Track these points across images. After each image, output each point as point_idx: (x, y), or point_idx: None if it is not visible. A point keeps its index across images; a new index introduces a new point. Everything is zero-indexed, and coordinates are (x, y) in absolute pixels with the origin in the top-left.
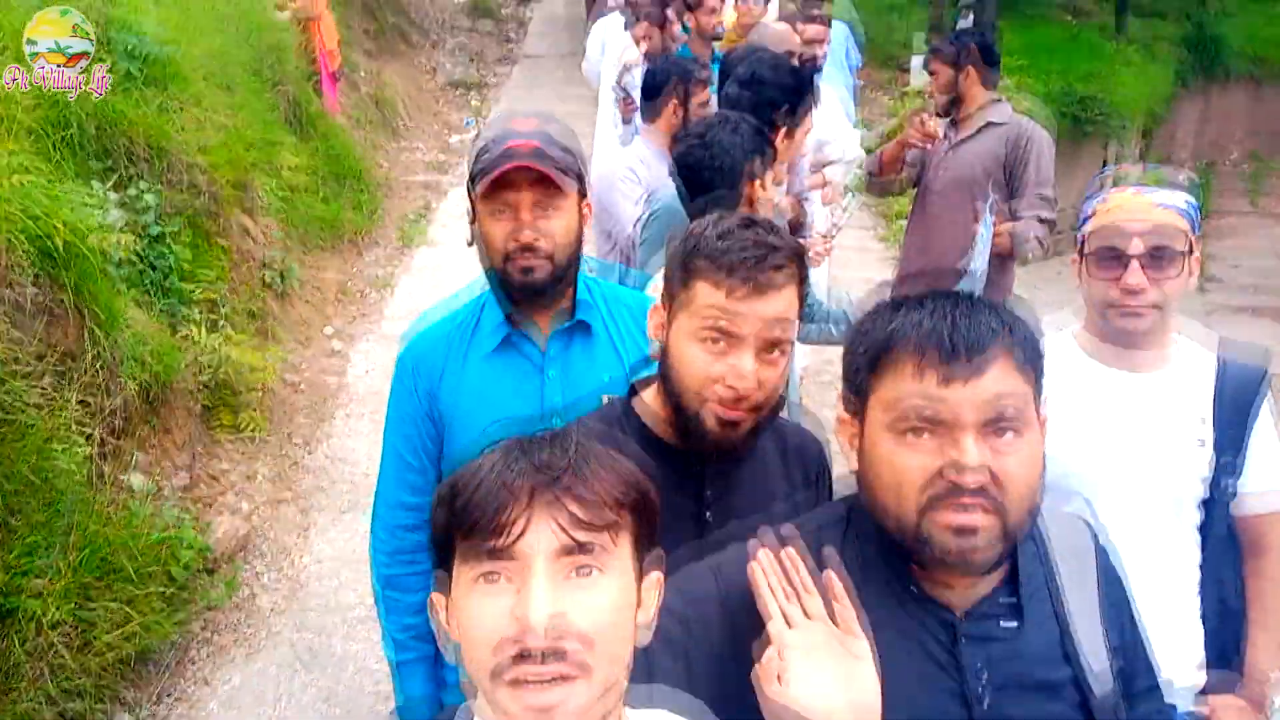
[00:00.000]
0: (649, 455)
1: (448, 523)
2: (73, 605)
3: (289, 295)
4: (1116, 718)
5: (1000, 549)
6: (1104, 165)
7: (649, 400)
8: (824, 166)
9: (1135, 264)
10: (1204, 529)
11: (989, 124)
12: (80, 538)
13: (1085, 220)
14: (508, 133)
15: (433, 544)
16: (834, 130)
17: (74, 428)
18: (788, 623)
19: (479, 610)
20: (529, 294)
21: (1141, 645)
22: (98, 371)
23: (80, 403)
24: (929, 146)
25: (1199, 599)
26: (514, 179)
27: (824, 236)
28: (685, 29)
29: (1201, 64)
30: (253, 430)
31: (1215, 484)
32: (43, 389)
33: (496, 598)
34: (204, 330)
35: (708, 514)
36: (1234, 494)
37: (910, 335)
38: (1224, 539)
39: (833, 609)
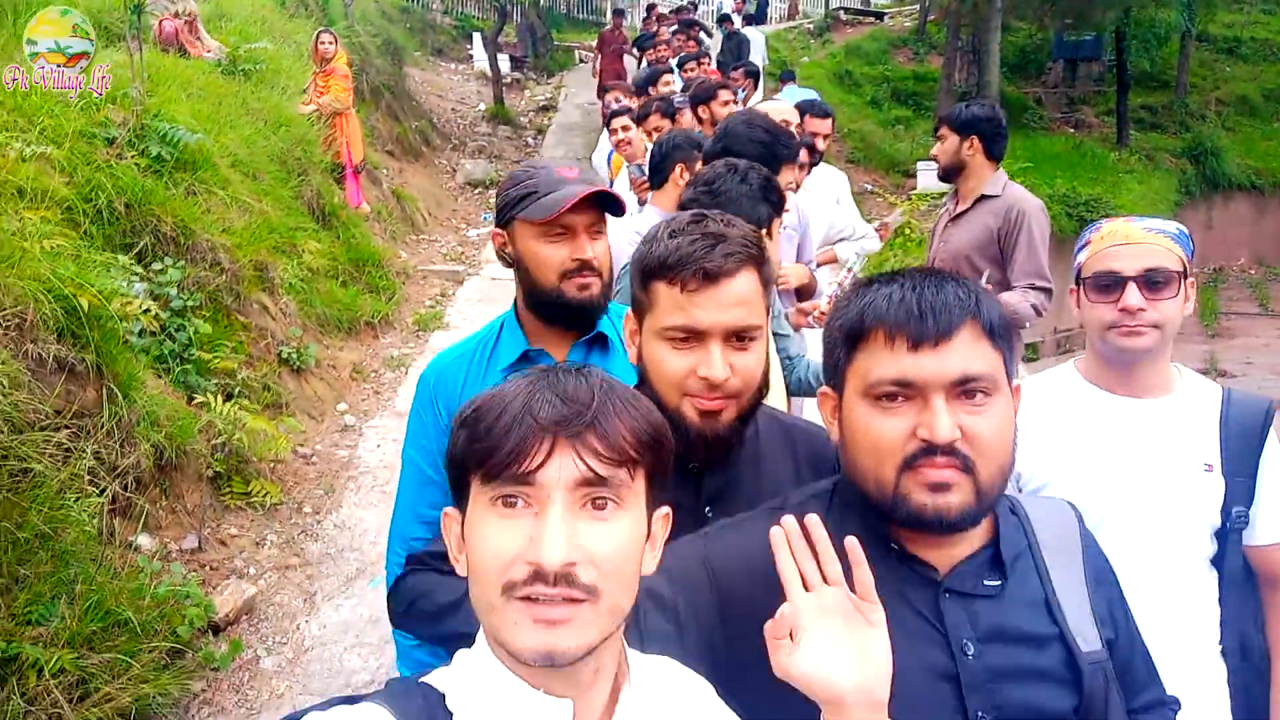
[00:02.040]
0: None
1: (469, 444)
2: (74, 655)
3: (304, 372)
4: (1105, 676)
5: (974, 507)
6: None
7: None
8: (835, 243)
9: (1132, 285)
10: (1218, 563)
11: (983, 197)
12: (86, 589)
13: (1080, 250)
14: (556, 173)
15: (449, 462)
16: (848, 219)
17: (86, 482)
18: (805, 586)
19: (495, 532)
20: (582, 312)
21: (1139, 645)
22: (113, 430)
23: (94, 459)
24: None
25: (1220, 635)
26: (579, 208)
27: (829, 299)
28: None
29: (1203, 174)
30: (264, 498)
31: (1226, 512)
32: (59, 443)
33: (514, 521)
34: (219, 399)
35: (707, 510)
36: (1246, 522)
37: (882, 307)
38: (1240, 571)
39: (851, 577)
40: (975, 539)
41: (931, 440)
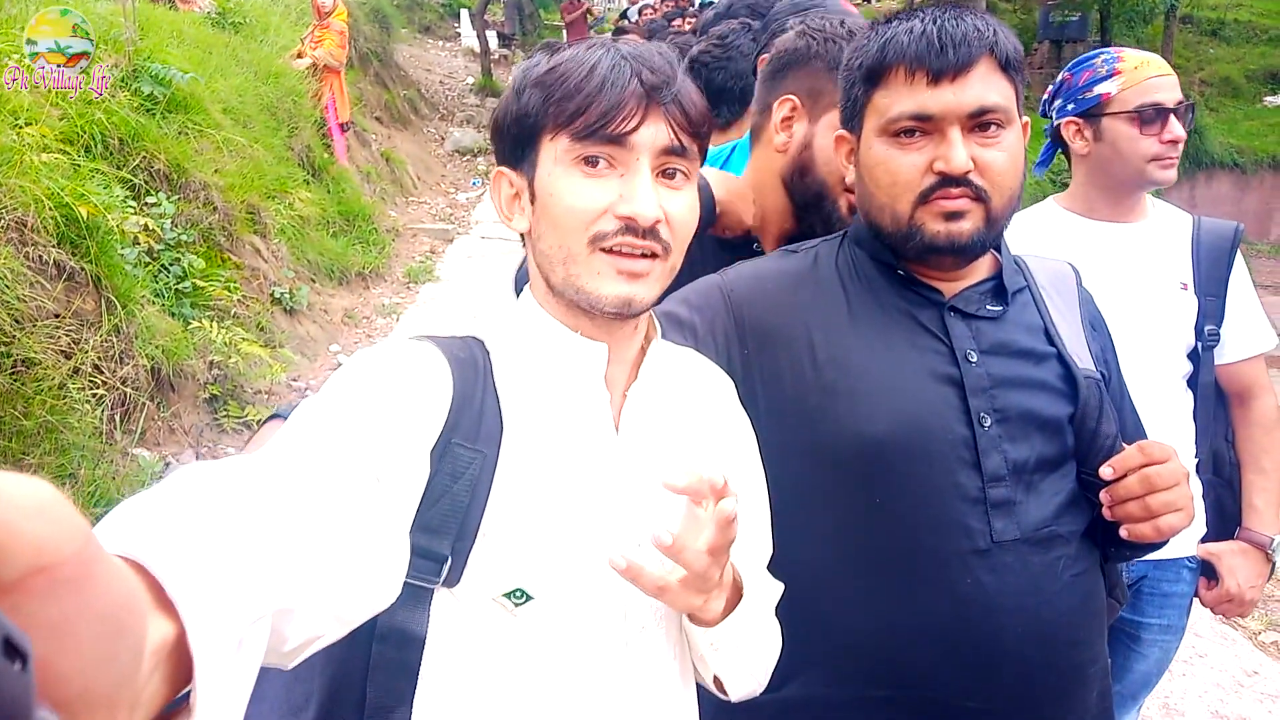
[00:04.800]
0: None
1: (550, 103)
2: None
3: (297, 313)
4: (1099, 391)
5: (984, 233)
6: None
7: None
8: None
9: (1173, 117)
10: (1191, 381)
11: None
12: (90, 475)
13: (1098, 81)
14: None
15: (513, 120)
16: None
17: (87, 385)
18: None
19: (582, 187)
20: None
21: (1129, 401)
22: (112, 339)
23: (94, 366)
24: None
25: (1195, 450)
26: None
27: None
28: None
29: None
30: (260, 421)
31: (1199, 330)
32: (60, 339)
33: (601, 179)
34: (215, 326)
35: None
36: (1217, 339)
37: (903, 42)
38: (1211, 388)
39: None
40: (979, 271)
41: (948, 172)
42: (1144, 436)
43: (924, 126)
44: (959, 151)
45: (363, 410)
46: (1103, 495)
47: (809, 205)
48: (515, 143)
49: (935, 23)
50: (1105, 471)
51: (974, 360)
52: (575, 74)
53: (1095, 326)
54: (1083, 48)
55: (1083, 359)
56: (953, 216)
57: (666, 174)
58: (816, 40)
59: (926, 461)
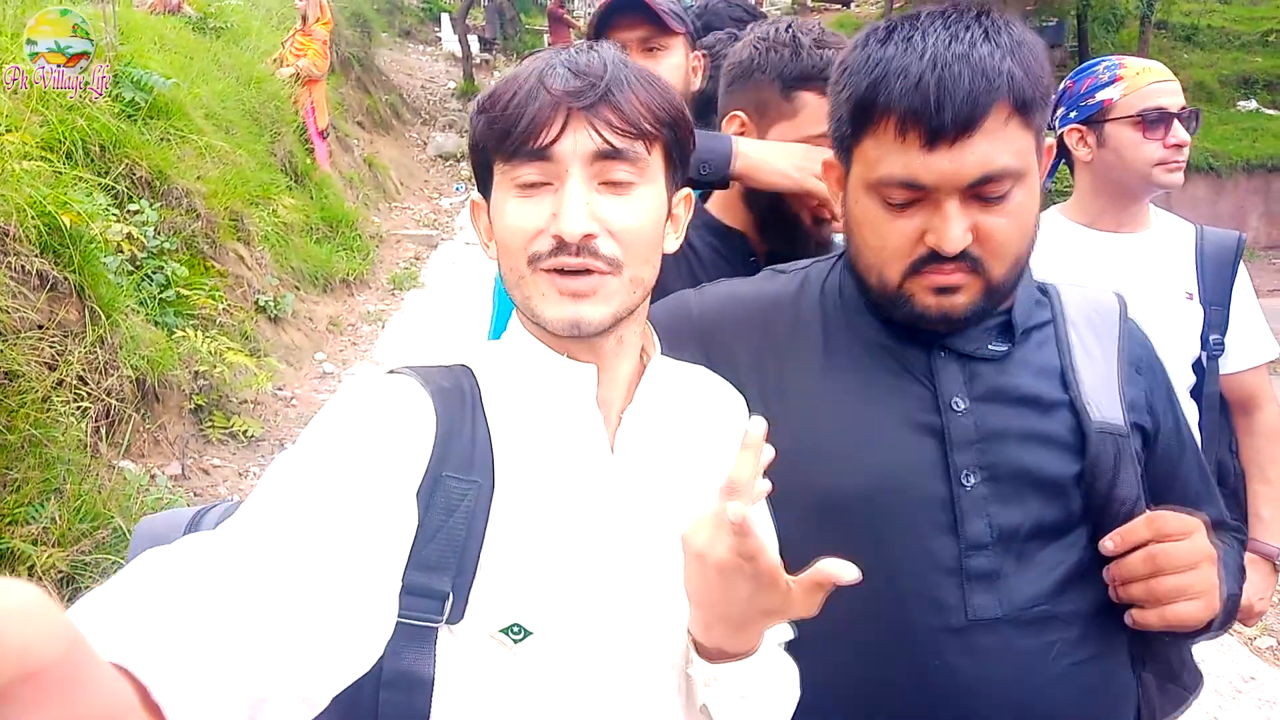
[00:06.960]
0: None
1: (487, 126)
2: (66, 553)
3: (282, 321)
4: (1116, 449)
5: (982, 304)
6: None
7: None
8: None
9: (1177, 121)
10: (1196, 392)
11: None
12: (76, 490)
13: (1100, 88)
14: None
15: (471, 150)
16: None
17: (72, 398)
18: None
19: (518, 209)
20: None
21: (1192, 454)
22: (97, 351)
23: (78, 378)
24: None
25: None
26: (620, 22)
27: None
28: None
29: None
30: (245, 432)
31: (1205, 340)
32: (44, 351)
33: (536, 198)
34: (199, 335)
35: None
36: (1222, 349)
37: (894, 90)
38: (1215, 398)
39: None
40: None
41: (940, 250)
42: (1216, 508)
43: (916, 194)
44: (953, 228)
45: (339, 465)
46: (1105, 573)
47: (766, 224)
48: (478, 173)
49: (935, 68)
50: (1106, 545)
51: (961, 408)
52: (504, 95)
53: (1141, 369)
54: (1060, 53)
55: (1103, 408)
56: (945, 291)
57: (614, 180)
58: (759, 50)
59: (896, 523)
